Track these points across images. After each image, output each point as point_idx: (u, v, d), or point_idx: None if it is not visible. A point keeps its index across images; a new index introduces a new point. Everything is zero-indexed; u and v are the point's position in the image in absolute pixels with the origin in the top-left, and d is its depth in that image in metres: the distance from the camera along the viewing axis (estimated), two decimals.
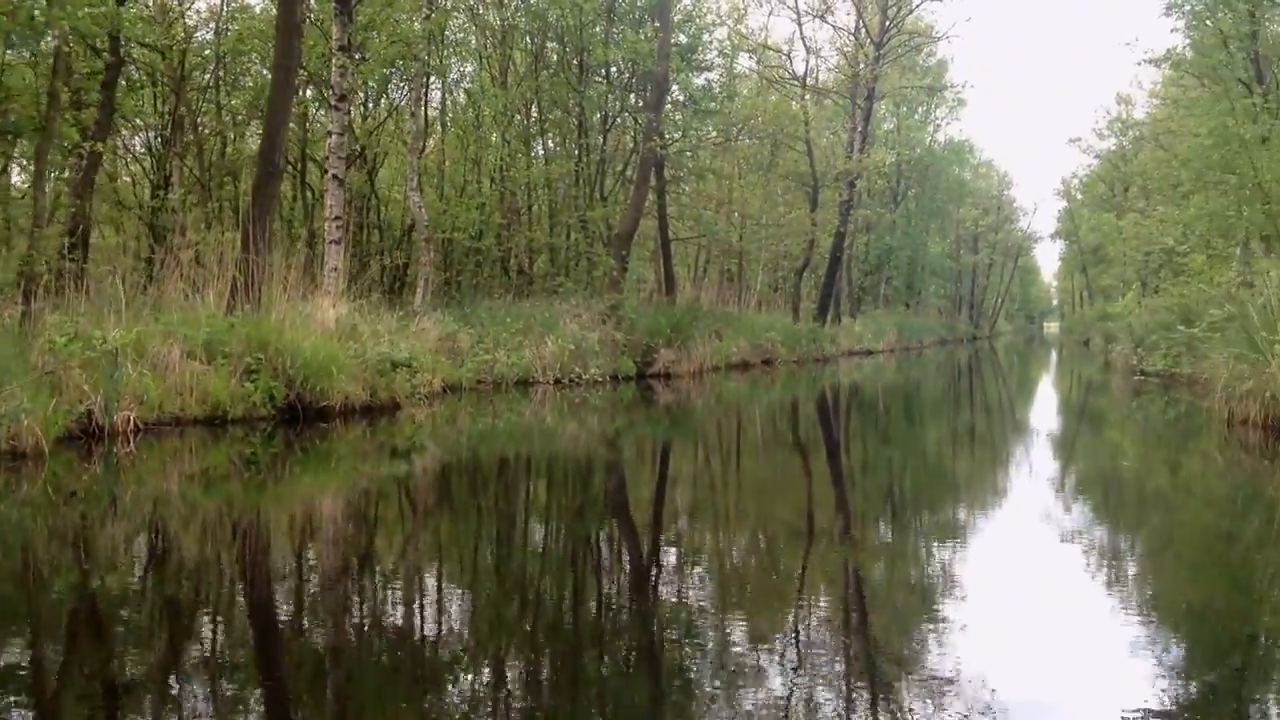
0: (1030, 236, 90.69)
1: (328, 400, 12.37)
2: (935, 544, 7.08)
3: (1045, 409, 19.81)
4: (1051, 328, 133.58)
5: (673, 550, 6.93)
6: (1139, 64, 30.33)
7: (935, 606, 5.37)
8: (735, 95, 29.43)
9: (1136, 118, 57.53)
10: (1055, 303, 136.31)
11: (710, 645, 4.71)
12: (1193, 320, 20.89)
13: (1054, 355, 49.58)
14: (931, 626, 4.99)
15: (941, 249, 66.34)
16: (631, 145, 27.23)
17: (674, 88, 27.14)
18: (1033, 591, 5.72)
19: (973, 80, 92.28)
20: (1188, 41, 25.75)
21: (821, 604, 5.61)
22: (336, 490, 9.00)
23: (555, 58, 26.38)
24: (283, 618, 5.30)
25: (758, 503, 9.30)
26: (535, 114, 26.86)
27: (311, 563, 6.55)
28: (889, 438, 14.50)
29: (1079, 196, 74.27)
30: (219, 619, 5.26)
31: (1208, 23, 24.15)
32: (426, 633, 5.11)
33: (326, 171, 18.25)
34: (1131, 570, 6.60)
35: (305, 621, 5.23)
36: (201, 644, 4.78)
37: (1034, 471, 10.74)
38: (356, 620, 5.28)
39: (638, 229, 23.77)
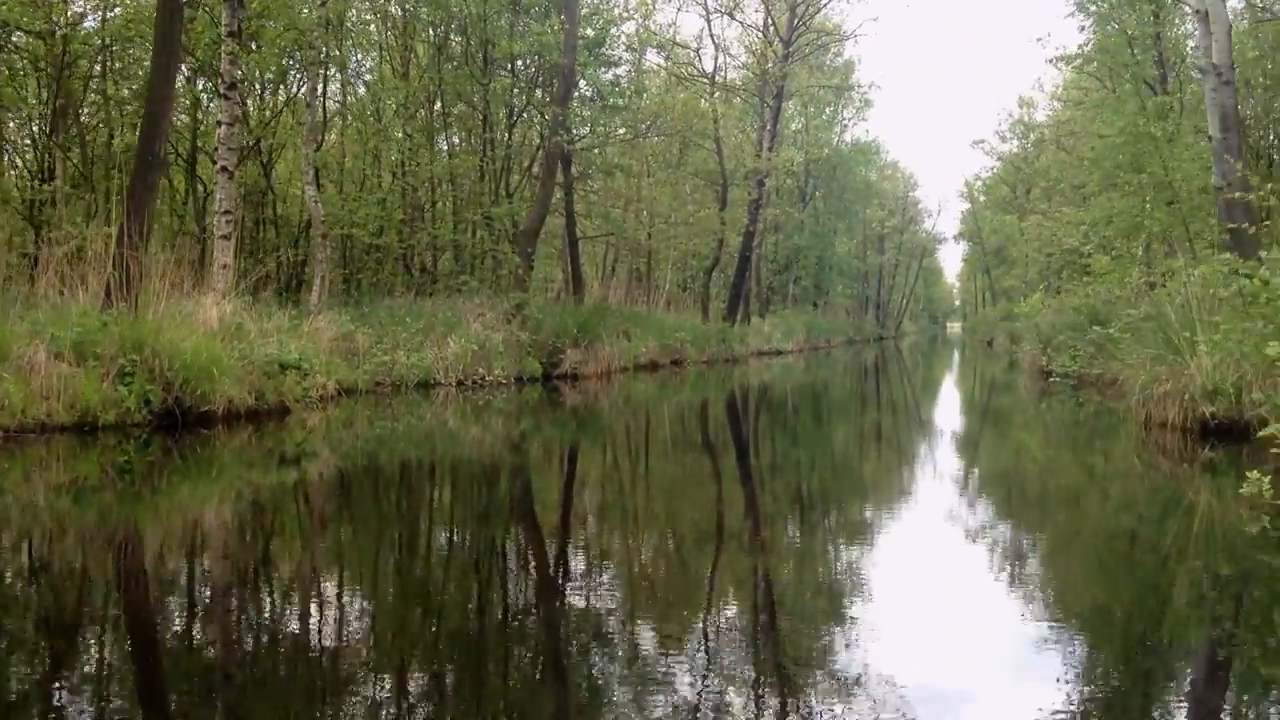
0: (935, 238, 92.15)
1: (209, 405, 11.60)
2: (845, 545, 6.94)
3: (956, 410, 19.69)
4: (954, 328, 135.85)
5: (580, 556, 6.70)
6: (1050, 61, 30.58)
7: (843, 607, 5.32)
8: (644, 91, 28.97)
9: (1038, 120, 58.54)
10: (958, 303, 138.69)
11: (618, 650, 4.62)
12: (1101, 321, 20.98)
13: (960, 355, 50.08)
14: (839, 627, 4.96)
15: (849, 249, 66.86)
16: (538, 141, 26.62)
17: (581, 82, 26.63)
18: (941, 592, 5.68)
19: (879, 82, 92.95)
20: (1091, 41, 26.00)
21: (730, 606, 5.53)
22: (219, 501, 8.33)
23: (459, 50, 25.67)
24: (157, 639, 4.80)
25: (667, 505, 8.96)
26: (439, 108, 26.11)
27: (190, 579, 5.94)
28: (799, 438, 14.18)
29: (981, 199, 75.50)
30: (85, 642, 4.64)
31: (1112, 25, 24.40)
32: (314, 653, 4.65)
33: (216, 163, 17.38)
34: (1041, 571, 6.45)
35: (182, 643, 4.73)
36: (67, 671, 4.21)
37: (946, 474, 10.47)
38: (238, 641, 4.75)
39: (544, 226, 23.19)
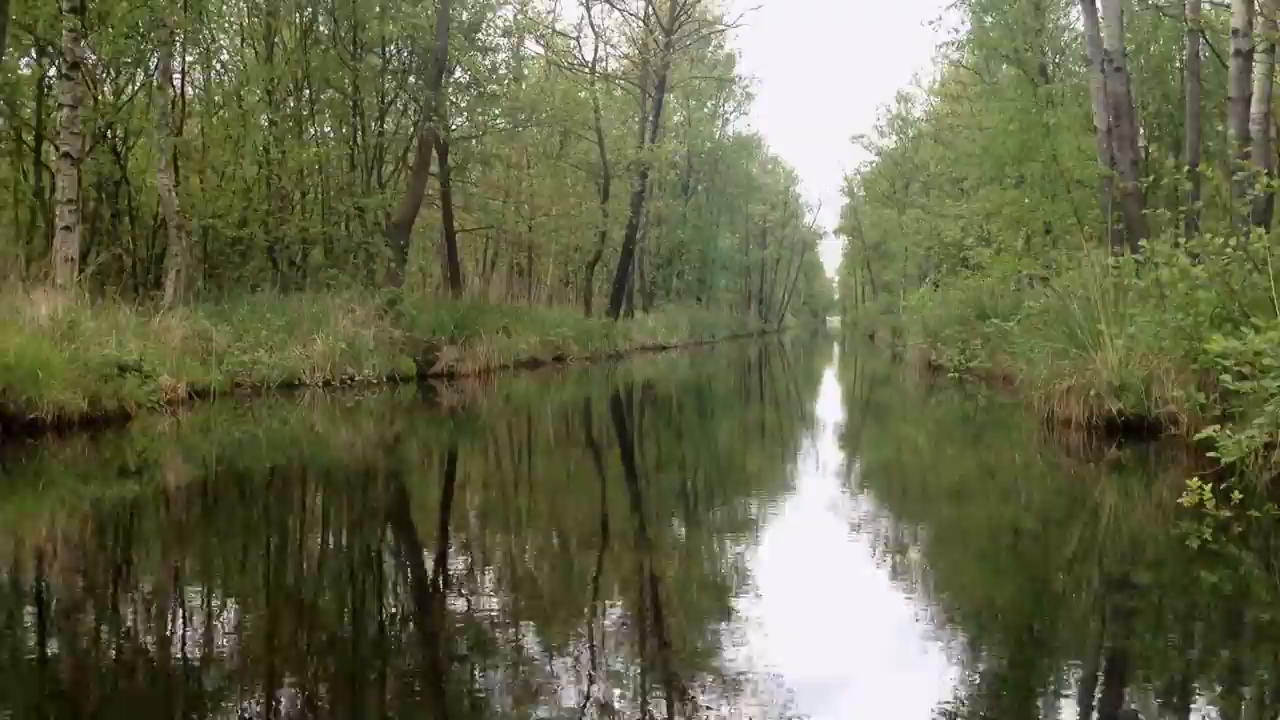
0: (815, 232, 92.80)
1: (36, 412, 10.39)
2: (731, 545, 6.69)
3: (846, 405, 19.24)
4: (833, 322, 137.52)
5: (460, 562, 6.33)
6: (941, 46, 30.60)
7: (729, 605, 5.22)
8: (522, 78, 28.07)
9: (916, 115, 59.11)
10: (837, 297, 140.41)
11: (500, 657, 4.45)
12: (989, 314, 20.75)
13: (843, 349, 50.27)
14: (725, 625, 4.88)
15: (731, 243, 66.75)
16: (412, 129, 25.46)
17: (457, 68, 25.59)
18: (827, 594, 5.54)
19: (760, 75, 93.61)
20: (969, 27, 25.97)
21: (615, 607, 5.37)
22: (46, 519, 7.28)
23: (327, 32, 24.36)
24: None
25: (550, 507, 8.50)
26: (306, 93, 24.75)
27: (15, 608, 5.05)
28: (684, 436, 13.52)
29: (860, 194, 76.19)
30: None
31: (993, 16, 24.31)
32: (159, 678, 4.16)
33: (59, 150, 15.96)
34: (931, 570, 6.14)
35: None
36: None
37: (837, 473, 9.96)
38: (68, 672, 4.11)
39: (419, 218, 22.12)
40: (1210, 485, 6.16)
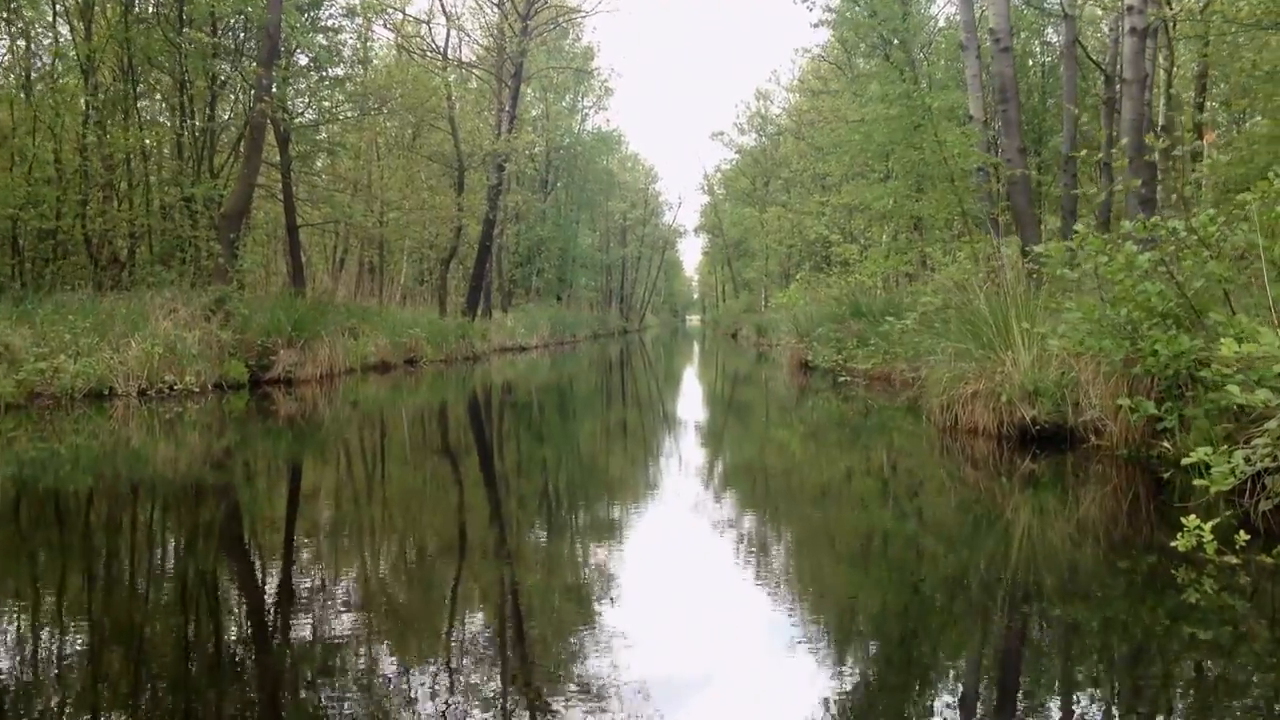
0: (676, 230, 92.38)
1: None
2: (593, 557, 6.25)
3: (716, 408, 18.05)
4: (693, 321, 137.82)
5: (299, 585, 5.62)
6: (814, 25, 29.91)
7: (594, 615, 5.01)
8: (369, 62, 26.25)
9: (775, 113, 58.88)
10: (697, 296, 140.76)
11: (351, 681, 4.15)
12: (864, 311, 19.93)
13: (707, 348, 49.30)
14: (591, 636, 4.68)
15: (592, 241, 65.66)
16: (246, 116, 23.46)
17: (296, 50, 23.71)
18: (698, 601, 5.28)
19: (619, 70, 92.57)
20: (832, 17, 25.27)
21: (474, 621, 5.07)
22: None
23: (150, 8, 22.23)
24: None
25: (403, 521, 7.67)
26: (128, 74, 22.53)
27: None
28: (543, 442, 12.16)
29: (720, 192, 75.96)
30: None
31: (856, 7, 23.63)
32: None
33: None
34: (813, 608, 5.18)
35: None
36: None
37: (709, 487, 8.70)
38: None
39: (260, 211, 20.23)
40: (1207, 523, 5.01)
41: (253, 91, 19.06)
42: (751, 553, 6.37)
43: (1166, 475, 7.41)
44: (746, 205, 62.83)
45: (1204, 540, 4.97)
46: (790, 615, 4.97)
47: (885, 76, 23.59)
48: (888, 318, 14.07)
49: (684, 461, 10.38)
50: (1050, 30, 25.64)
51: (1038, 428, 9.02)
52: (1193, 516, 5.02)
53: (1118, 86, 13.67)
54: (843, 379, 17.45)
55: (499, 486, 9.13)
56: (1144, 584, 5.25)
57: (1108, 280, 7.66)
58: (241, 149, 23.26)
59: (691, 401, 19.36)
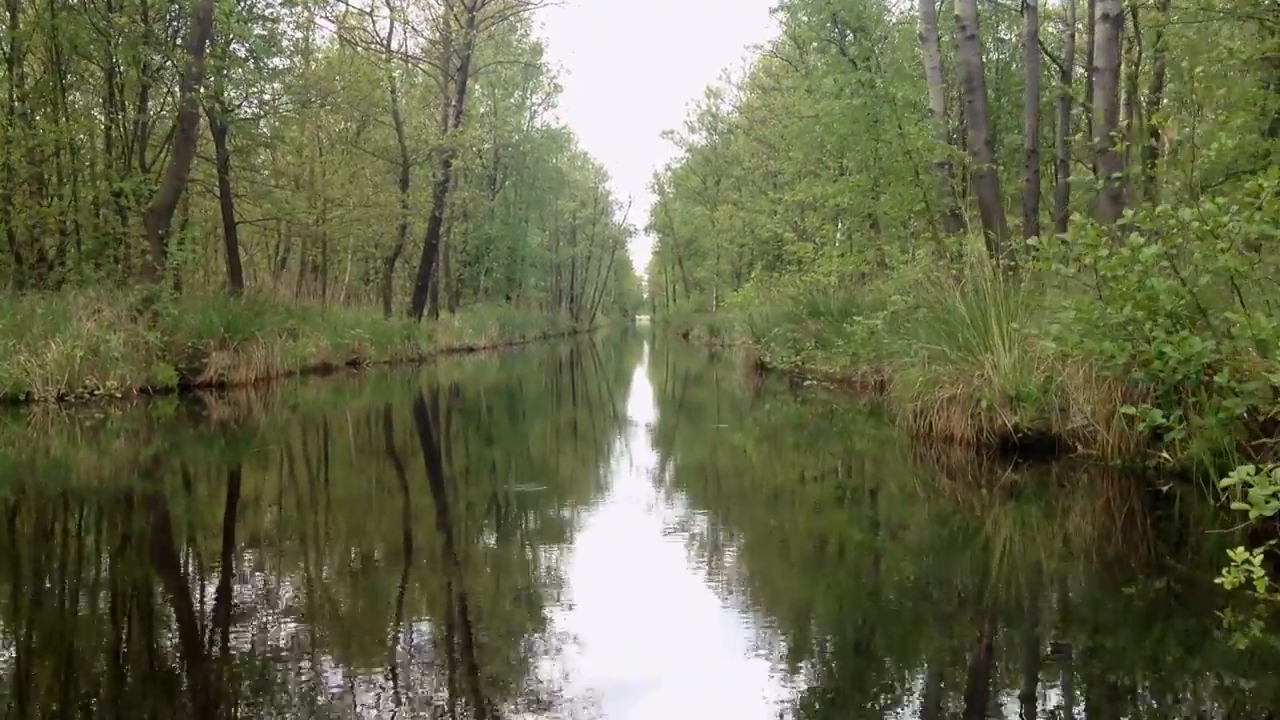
0: (626, 230, 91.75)
1: None
2: (544, 581, 5.70)
3: (673, 412, 17.38)
4: (643, 320, 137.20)
5: (234, 595, 5.30)
6: (772, 11, 29.35)
7: (544, 627, 4.74)
8: (310, 54, 25.34)
9: (724, 111, 58.42)
10: (646, 295, 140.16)
11: (294, 694, 3.85)
12: (821, 311, 19.40)
13: (658, 349, 48.64)
14: (541, 646, 4.47)
15: (541, 240, 64.84)
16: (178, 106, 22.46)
17: (233, 40, 22.75)
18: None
19: (569, 66, 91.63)
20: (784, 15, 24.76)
21: (421, 629, 4.80)
22: None
23: None
24: None
25: (342, 529, 7.18)
26: (56, 63, 21.46)
27: None
28: (491, 445, 11.42)
29: (670, 191, 75.45)
30: None
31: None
32: None
33: None
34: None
35: None
36: None
37: (666, 502, 8.02)
38: None
39: (195, 208, 19.31)
40: (1245, 552, 4.38)
41: (184, 81, 18.10)
42: (708, 568, 5.84)
43: (1166, 488, 6.85)
44: (697, 204, 62.35)
45: (1254, 577, 4.34)
46: (748, 635, 4.54)
47: (840, 68, 23.12)
48: (855, 318, 13.45)
49: (636, 468, 9.72)
50: (1004, 27, 25.29)
51: (1020, 435, 8.43)
52: (1240, 550, 4.37)
53: (1090, 76, 13.20)
54: (808, 382, 16.87)
55: (439, 495, 8.54)
56: (1155, 611, 4.68)
57: (1106, 276, 7.07)
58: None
59: (645, 404, 18.70)
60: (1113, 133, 12.07)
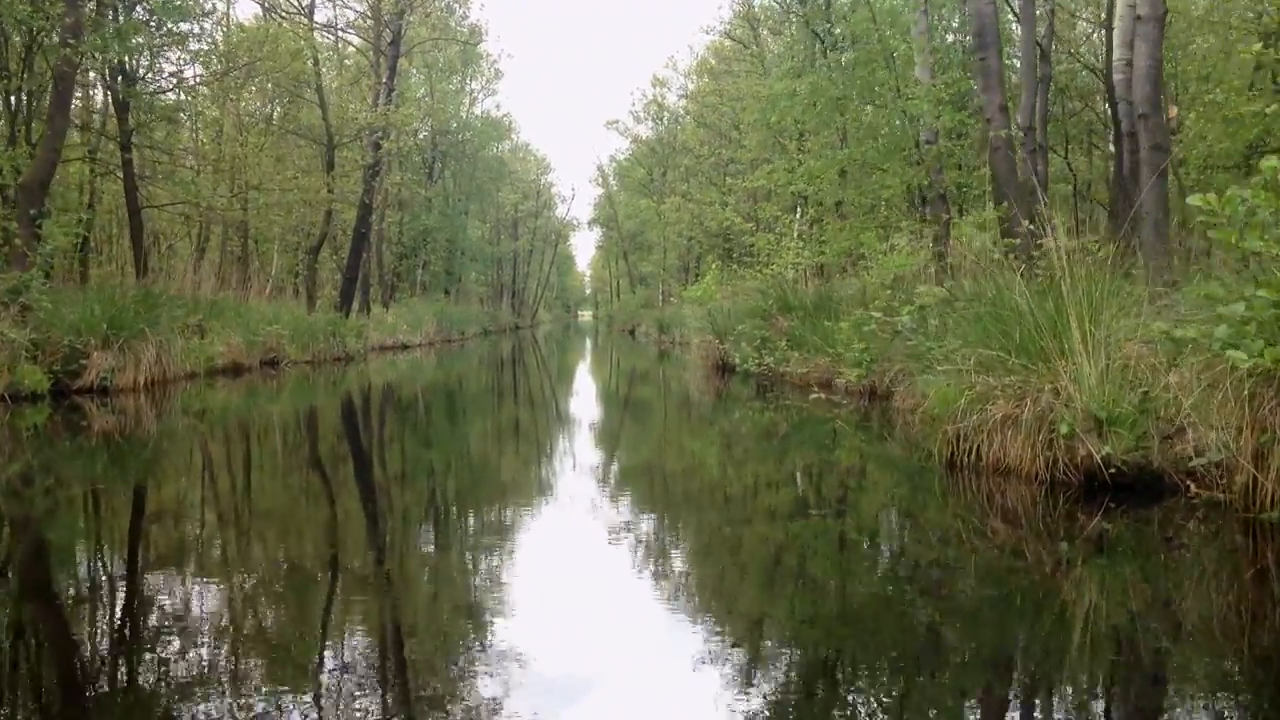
0: (569, 224, 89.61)
1: None
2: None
3: (630, 423, 15.19)
4: (585, 316, 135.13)
5: (151, 617, 4.48)
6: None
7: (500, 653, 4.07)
8: (225, 20, 22.89)
9: (671, 101, 56.41)
10: (589, 291, 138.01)
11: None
12: (792, 305, 17.46)
13: (605, 346, 46.42)
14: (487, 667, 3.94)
15: (482, 233, 62.40)
16: (93, 78, 19.92)
17: (137, 2, 20.33)
18: None
19: (510, 51, 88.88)
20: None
21: (351, 646, 4.20)
22: None
23: None
24: None
25: (244, 552, 6.14)
26: None
27: None
28: (421, 465, 9.20)
29: (615, 183, 73.46)
30: None
31: None
32: None
33: None
34: None
35: None
36: None
37: (625, 558, 5.87)
38: None
39: (53, 177, 16.87)
40: None
41: (62, 38, 15.62)
42: (691, 685, 3.79)
43: None
44: (643, 196, 60.36)
45: None
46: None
47: (803, 42, 21.15)
48: (872, 314, 11.29)
49: (595, 509, 7.53)
50: None
51: (1111, 470, 6.38)
52: None
53: (1130, 27, 11.29)
54: (764, 383, 14.85)
55: (374, 515, 6.50)
56: None
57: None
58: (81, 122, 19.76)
59: (599, 415, 16.40)
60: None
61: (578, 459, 10.32)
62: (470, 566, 5.62)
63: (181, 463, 9.90)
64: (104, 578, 5.46)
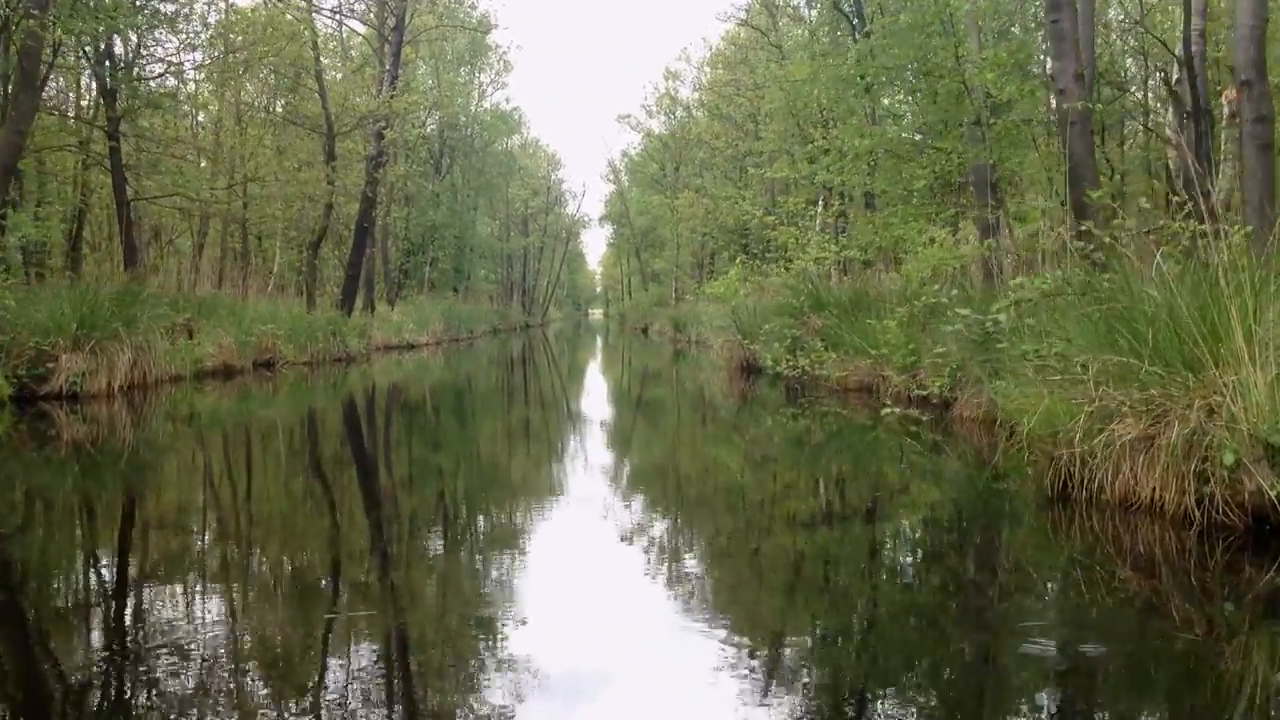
0: (580, 221, 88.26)
1: None
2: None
3: (656, 435, 13.76)
4: (595, 315, 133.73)
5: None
6: None
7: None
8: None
9: (684, 95, 55.00)
10: (600, 289, 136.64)
11: None
12: (825, 303, 16.14)
13: (619, 345, 44.98)
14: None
15: (491, 229, 61.12)
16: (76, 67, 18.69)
17: None
18: None
19: (519, 43, 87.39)
20: None
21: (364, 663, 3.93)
22: None
23: None
24: None
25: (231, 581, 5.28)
26: None
27: None
28: (416, 490, 7.86)
29: (626, 179, 72.12)
30: None
31: None
32: None
33: None
34: None
35: None
36: None
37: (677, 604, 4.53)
38: None
39: (17, 162, 15.58)
40: None
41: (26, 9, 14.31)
42: None
43: None
44: (655, 192, 58.99)
45: None
46: None
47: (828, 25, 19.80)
48: (957, 311, 9.83)
49: (624, 539, 6.19)
50: None
51: None
52: None
53: None
54: (794, 386, 13.51)
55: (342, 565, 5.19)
56: None
57: None
58: (65, 111, 18.54)
59: (623, 425, 14.89)
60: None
61: (609, 484, 8.94)
62: (492, 621, 4.32)
63: (144, 483, 8.60)
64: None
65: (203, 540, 6.30)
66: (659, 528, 6.68)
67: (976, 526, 6.73)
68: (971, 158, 13.22)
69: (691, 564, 5.64)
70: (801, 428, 11.75)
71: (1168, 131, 17.57)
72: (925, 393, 10.83)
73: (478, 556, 5.68)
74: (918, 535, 6.40)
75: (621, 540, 6.00)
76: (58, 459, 9.41)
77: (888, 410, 7.60)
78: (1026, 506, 6.50)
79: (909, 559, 5.81)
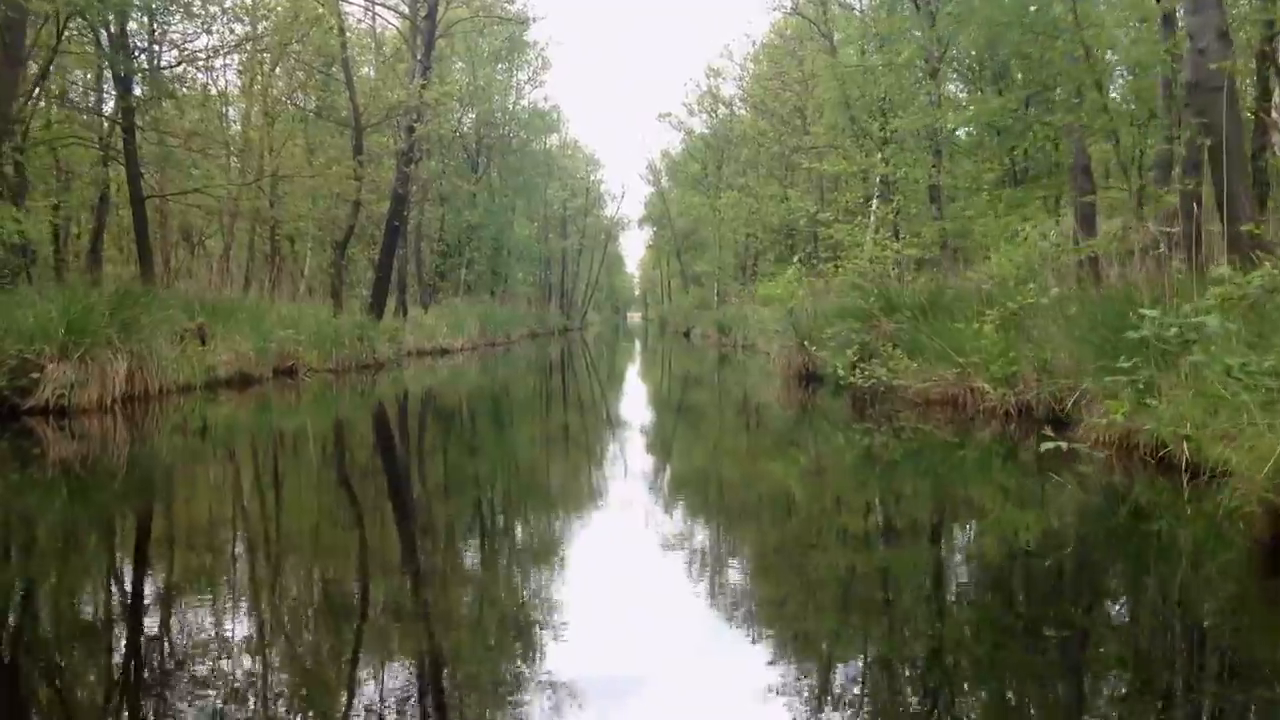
0: (619, 222, 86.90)
1: None
2: None
3: (720, 463, 12.15)
4: (634, 318, 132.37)
5: None
6: None
7: None
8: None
9: (728, 93, 53.40)
10: (638, 292, 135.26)
11: None
12: (897, 305, 14.58)
13: (661, 350, 43.28)
14: None
15: (530, 231, 59.73)
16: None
17: None
18: None
19: (558, 39, 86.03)
20: None
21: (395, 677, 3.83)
22: None
23: None
24: None
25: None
26: None
27: None
28: (435, 529, 6.35)
29: (666, 180, 70.68)
30: None
31: None
32: None
33: None
34: None
35: None
36: None
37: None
38: None
39: (1, 140, 14.26)
40: None
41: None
42: None
43: None
44: (696, 192, 57.44)
45: None
46: None
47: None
48: (1145, 311, 8.15)
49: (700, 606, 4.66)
50: None
51: None
52: None
53: None
54: (893, 400, 11.95)
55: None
56: None
57: None
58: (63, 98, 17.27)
59: (681, 451, 13.03)
60: None
61: (689, 527, 7.39)
62: None
63: (130, 510, 7.16)
64: None
65: (197, 583, 4.87)
66: (744, 596, 5.13)
67: (1180, 596, 5.08)
68: (1099, 127, 11.44)
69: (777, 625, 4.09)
70: (900, 454, 10.13)
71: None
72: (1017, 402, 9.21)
73: (534, 589, 4.19)
74: (1102, 611, 4.80)
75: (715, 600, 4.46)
76: (42, 480, 8.16)
77: (1050, 442, 6.00)
78: (1234, 564, 4.89)
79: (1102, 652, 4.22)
